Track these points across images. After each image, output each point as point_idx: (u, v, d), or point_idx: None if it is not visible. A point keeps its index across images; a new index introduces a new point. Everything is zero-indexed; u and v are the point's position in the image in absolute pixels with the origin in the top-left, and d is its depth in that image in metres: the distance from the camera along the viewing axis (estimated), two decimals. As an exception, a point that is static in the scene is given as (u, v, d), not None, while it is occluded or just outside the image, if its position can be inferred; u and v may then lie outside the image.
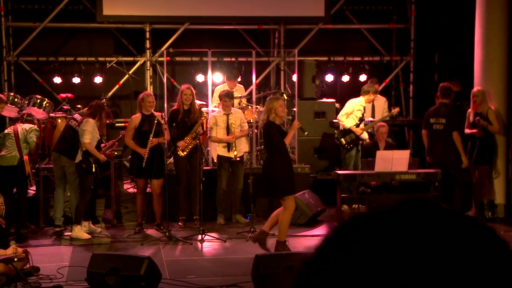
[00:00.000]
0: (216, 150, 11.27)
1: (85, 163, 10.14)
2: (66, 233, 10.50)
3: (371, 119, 12.22)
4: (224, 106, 11.07)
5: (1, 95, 10.84)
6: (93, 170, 10.19)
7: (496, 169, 11.27)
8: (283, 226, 9.00)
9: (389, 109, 13.30)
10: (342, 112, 12.13)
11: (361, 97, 12.08)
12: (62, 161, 10.46)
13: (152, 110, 10.68)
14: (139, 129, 10.60)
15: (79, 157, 10.19)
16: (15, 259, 7.89)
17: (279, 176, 8.85)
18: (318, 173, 12.69)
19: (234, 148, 10.92)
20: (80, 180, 10.32)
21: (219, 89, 12.43)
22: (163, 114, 10.69)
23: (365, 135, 12.06)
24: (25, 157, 10.31)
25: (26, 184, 10.47)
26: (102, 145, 10.50)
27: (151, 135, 10.37)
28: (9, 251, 7.98)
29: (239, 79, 12.54)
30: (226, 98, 11.07)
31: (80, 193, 10.36)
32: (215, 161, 11.62)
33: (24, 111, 11.07)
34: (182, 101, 10.84)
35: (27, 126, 10.53)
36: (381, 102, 12.75)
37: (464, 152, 10.89)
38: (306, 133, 9.78)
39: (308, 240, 10.25)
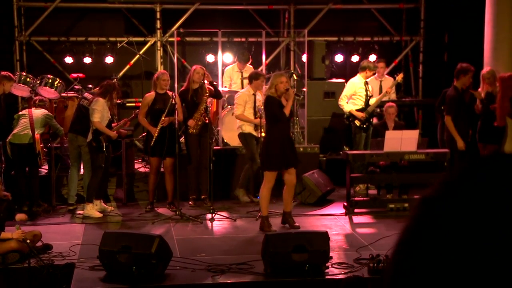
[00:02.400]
0: (241, 129, 11.00)
1: (95, 141, 10.23)
2: (78, 212, 10.63)
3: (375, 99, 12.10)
4: (258, 85, 10.73)
5: (10, 74, 10.95)
6: (104, 148, 10.28)
7: (505, 149, 11.28)
8: (261, 201, 9.53)
9: (397, 92, 13.31)
10: (343, 94, 12.06)
11: (358, 75, 12.06)
12: (79, 141, 10.57)
13: (167, 90, 10.76)
14: (152, 108, 10.65)
15: (89, 136, 10.29)
16: (28, 241, 7.99)
17: (266, 149, 9.37)
18: (327, 153, 12.74)
19: (261, 129, 10.73)
20: (91, 158, 10.42)
21: (228, 69, 12.50)
22: (173, 94, 10.73)
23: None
24: (36, 136, 10.43)
25: (37, 163, 10.59)
26: (114, 124, 10.57)
27: (164, 114, 10.43)
28: (16, 235, 8.07)
29: (249, 63, 12.57)
30: (263, 78, 10.84)
31: (92, 172, 10.48)
32: (225, 141, 11.70)
33: (36, 97, 11.14)
34: (193, 79, 10.87)
35: (39, 112, 10.65)
36: (389, 83, 12.68)
37: (458, 136, 10.86)
38: (301, 96, 9.80)
39: (317, 219, 10.33)
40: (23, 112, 10.79)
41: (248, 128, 10.98)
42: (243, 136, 11.05)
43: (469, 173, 1.03)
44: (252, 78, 10.89)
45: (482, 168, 1.03)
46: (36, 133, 10.44)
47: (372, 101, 11.95)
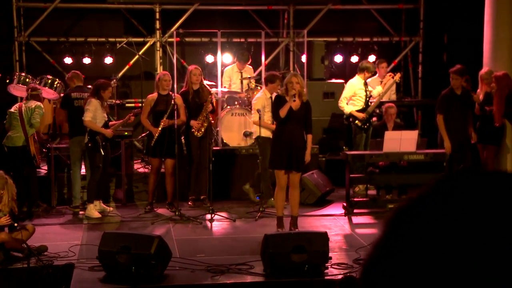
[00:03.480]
0: (259, 132, 10.45)
1: (91, 141, 10.23)
2: (80, 212, 10.63)
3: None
4: (273, 88, 10.36)
5: None
6: (100, 148, 10.25)
7: (504, 150, 11.29)
8: (274, 202, 9.55)
9: (397, 91, 13.32)
10: (342, 96, 12.00)
11: (357, 76, 12.04)
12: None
13: (170, 91, 10.75)
14: (154, 109, 10.66)
15: (86, 137, 10.27)
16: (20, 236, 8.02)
17: (271, 148, 9.39)
18: (327, 153, 12.74)
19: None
20: (89, 158, 10.42)
21: (228, 70, 12.48)
22: (174, 95, 10.71)
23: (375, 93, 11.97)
24: (30, 138, 10.34)
25: (33, 164, 10.53)
26: (111, 123, 10.50)
27: (165, 115, 10.43)
28: None
29: (249, 63, 12.55)
30: (279, 81, 10.37)
31: (90, 172, 10.47)
32: (225, 141, 11.70)
33: (30, 85, 10.95)
34: (192, 81, 10.89)
35: (31, 103, 10.47)
36: (390, 83, 12.70)
37: (447, 137, 10.80)
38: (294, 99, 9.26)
39: (317, 219, 10.33)
40: (14, 109, 10.56)
41: (266, 132, 10.41)
42: (260, 140, 10.58)
43: (442, 189, 1.05)
44: (268, 80, 10.53)
45: (455, 185, 1.05)
46: (28, 131, 10.32)
47: (375, 93, 11.95)
